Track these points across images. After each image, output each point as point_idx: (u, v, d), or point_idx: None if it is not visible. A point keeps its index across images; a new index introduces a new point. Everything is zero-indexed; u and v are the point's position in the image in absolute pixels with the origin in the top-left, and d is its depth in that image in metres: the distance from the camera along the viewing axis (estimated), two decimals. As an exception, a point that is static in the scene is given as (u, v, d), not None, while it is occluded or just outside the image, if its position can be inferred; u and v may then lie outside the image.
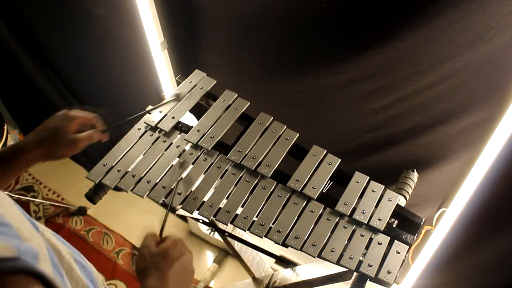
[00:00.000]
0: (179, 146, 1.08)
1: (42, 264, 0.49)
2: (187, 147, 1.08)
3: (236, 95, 1.16)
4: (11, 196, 2.11)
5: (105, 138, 1.02)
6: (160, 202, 0.99)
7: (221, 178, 1.03)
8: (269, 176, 1.02)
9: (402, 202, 1.08)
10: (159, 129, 1.10)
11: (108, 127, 1.02)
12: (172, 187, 0.99)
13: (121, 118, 1.07)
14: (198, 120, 1.13)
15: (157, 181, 1.01)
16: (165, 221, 0.82)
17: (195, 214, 1.00)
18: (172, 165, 1.04)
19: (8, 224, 0.49)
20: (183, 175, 1.01)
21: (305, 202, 1.00)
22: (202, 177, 1.03)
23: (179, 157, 1.06)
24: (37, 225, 0.60)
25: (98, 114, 0.99)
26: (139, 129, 1.11)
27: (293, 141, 1.08)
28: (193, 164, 1.05)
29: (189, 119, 1.22)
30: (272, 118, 1.12)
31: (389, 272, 0.91)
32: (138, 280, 0.73)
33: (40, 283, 0.47)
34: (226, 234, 1.38)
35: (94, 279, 0.71)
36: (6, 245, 0.46)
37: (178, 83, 1.22)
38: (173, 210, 1.00)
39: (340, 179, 1.05)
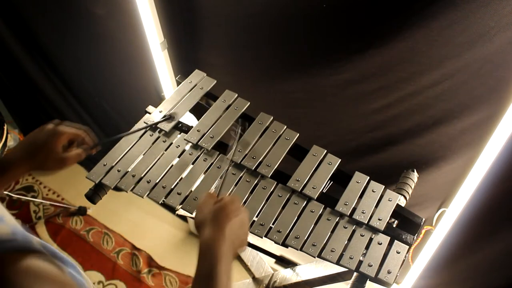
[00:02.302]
0: (179, 146, 1.08)
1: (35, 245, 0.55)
2: (187, 147, 1.08)
3: (236, 95, 1.16)
4: (11, 196, 2.12)
5: (94, 152, 0.97)
6: (160, 202, 0.99)
7: (221, 178, 1.03)
8: (269, 176, 1.02)
9: (402, 202, 1.08)
10: (159, 129, 1.10)
11: (98, 141, 0.96)
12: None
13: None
14: (198, 120, 1.13)
15: (157, 181, 1.01)
16: (223, 180, 0.84)
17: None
18: (173, 165, 1.04)
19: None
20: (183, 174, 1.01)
21: (305, 202, 1.00)
22: (202, 177, 1.03)
23: (179, 157, 1.06)
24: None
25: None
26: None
27: (293, 141, 1.08)
28: (193, 164, 1.05)
29: (189, 119, 1.22)
30: (272, 118, 1.12)
31: (389, 272, 0.91)
32: (197, 232, 0.77)
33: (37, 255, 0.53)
34: (226, 234, 1.37)
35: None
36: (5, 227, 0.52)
37: (178, 83, 1.22)
38: (173, 210, 0.99)
39: (340, 179, 1.05)
